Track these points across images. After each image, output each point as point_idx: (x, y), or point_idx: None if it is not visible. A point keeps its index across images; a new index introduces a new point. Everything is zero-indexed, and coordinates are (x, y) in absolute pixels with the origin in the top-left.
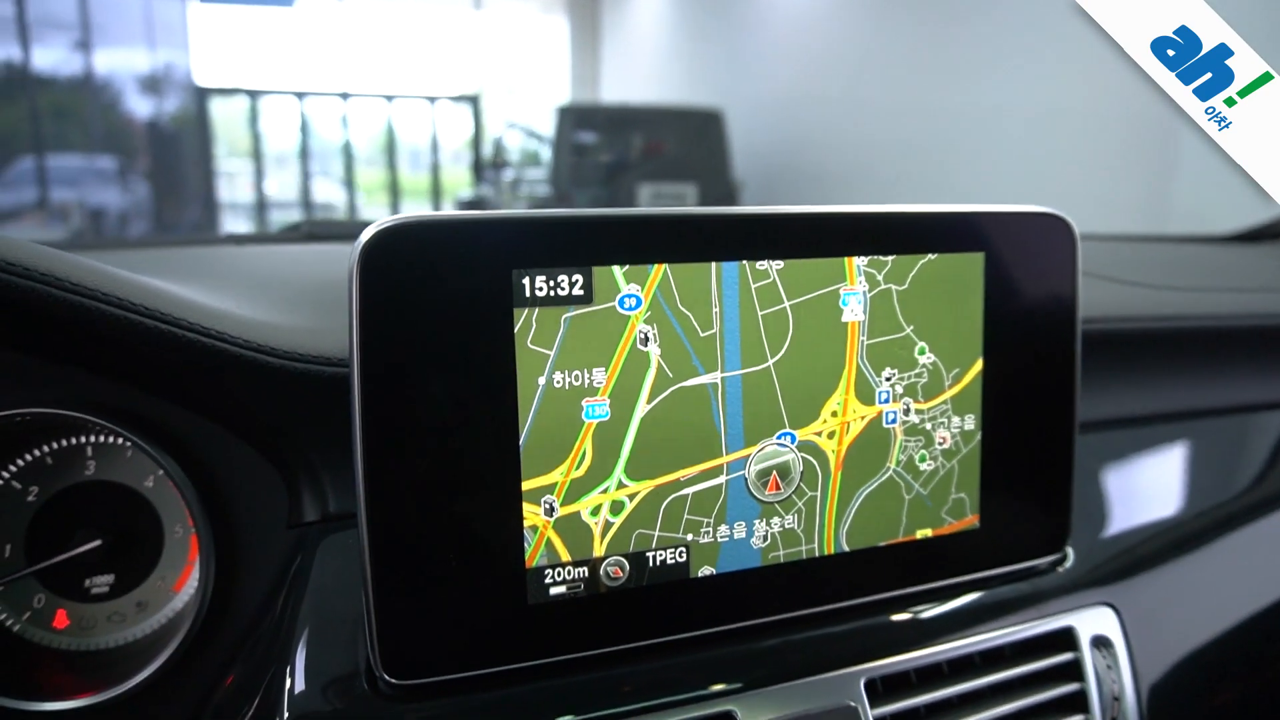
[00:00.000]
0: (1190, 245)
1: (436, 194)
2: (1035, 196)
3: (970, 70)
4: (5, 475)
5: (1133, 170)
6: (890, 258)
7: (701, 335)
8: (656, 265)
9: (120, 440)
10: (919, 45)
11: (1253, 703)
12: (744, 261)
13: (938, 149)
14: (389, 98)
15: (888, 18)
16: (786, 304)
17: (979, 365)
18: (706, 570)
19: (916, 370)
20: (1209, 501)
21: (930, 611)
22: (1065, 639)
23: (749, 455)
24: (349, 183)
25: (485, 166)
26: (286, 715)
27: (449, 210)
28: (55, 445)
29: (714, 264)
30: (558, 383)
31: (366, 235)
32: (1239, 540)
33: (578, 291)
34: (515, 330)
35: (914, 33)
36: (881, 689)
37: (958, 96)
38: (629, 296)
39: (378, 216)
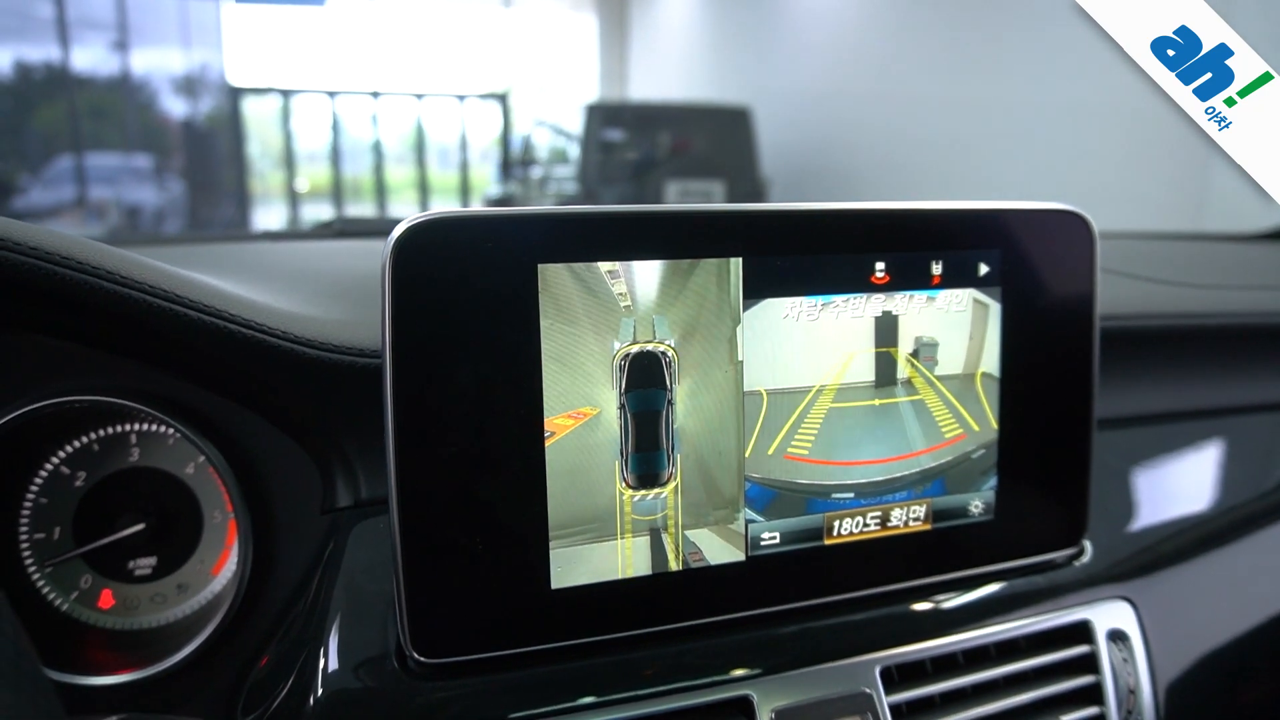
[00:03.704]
0: (1218, 243)
1: (465, 191)
2: (1067, 193)
3: (1001, 65)
4: (55, 461)
5: (1170, 166)
6: (907, 254)
7: None
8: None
9: (163, 428)
10: (948, 40)
11: (1277, 703)
12: (762, 257)
13: (969, 146)
14: (419, 96)
15: (917, 13)
16: (805, 299)
17: (996, 361)
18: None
19: (935, 365)
20: (1232, 500)
21: (947, 602)
22: (1081, 632)
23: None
24: (379, 180)
25: (513, 164)
26: (320, 693)
27: (477, 207)
28: (101, 433)
29: (734, 259)
30: None
31: (399, 231)
32: (1263, 540)
33: None
34: (540, 321)
35: (944, 28)
36: (897, 677)
37: (988, 92)
38: None
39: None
